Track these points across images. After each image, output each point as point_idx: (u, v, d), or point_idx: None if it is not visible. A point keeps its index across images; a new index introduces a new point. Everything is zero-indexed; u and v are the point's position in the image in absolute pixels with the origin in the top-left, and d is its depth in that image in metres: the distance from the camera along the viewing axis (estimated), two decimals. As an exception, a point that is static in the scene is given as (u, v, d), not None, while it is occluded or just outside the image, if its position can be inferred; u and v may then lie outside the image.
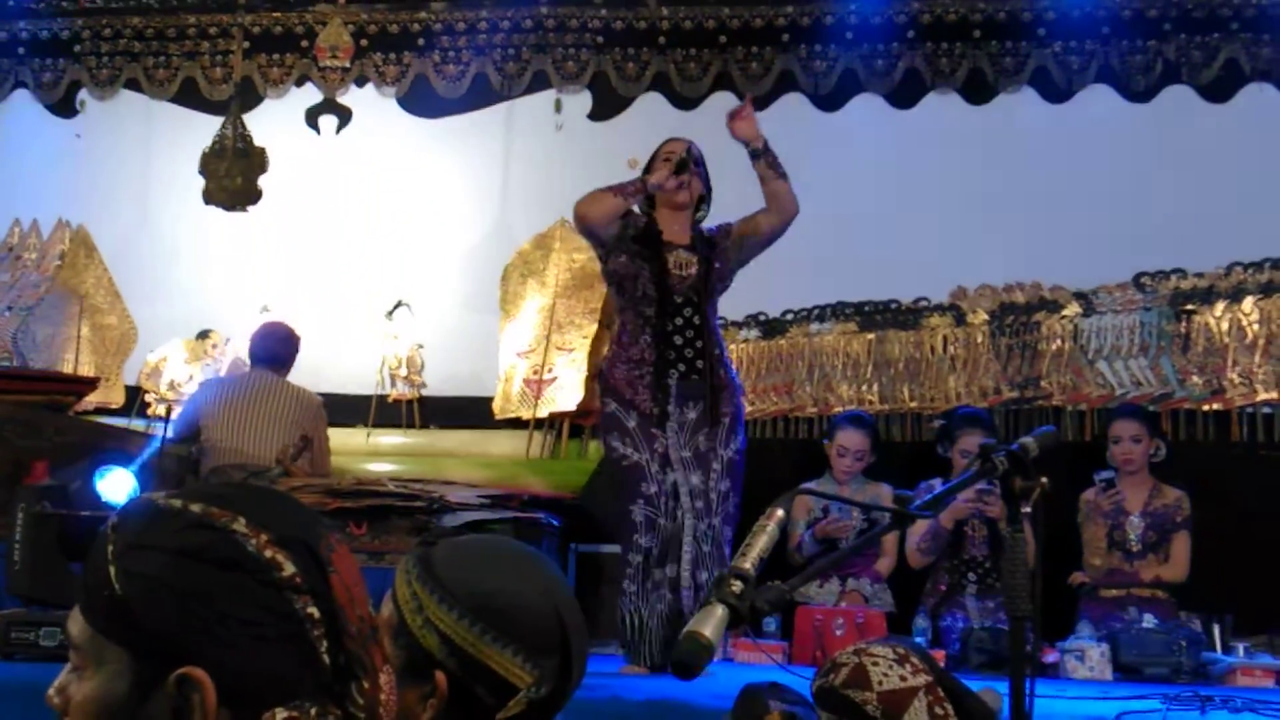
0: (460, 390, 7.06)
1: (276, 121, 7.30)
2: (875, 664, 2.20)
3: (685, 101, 7.07)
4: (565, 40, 7.24)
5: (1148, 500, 5.41)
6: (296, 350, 6.01)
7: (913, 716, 2.15)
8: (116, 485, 4.75)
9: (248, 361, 7.08)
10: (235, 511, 1.14)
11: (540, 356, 6.86)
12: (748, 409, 6.44)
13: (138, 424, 6.73)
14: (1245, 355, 6.18)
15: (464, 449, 6.77)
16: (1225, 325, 6.24)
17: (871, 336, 6.61)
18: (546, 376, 6.81)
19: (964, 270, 6.60)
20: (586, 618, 1.72)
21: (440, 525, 4.93)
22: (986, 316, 6.52)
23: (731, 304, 6.07)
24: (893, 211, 6.72)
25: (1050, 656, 4.65)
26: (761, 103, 6.86)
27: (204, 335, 7.24)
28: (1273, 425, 6.12)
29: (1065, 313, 6.44)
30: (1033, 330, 6.45)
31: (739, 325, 6.64)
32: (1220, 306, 6.27)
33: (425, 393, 7.08)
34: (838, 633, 4.98)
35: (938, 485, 5.13)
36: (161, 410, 6.97)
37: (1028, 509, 1.85)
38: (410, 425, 7.03)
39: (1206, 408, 6.18)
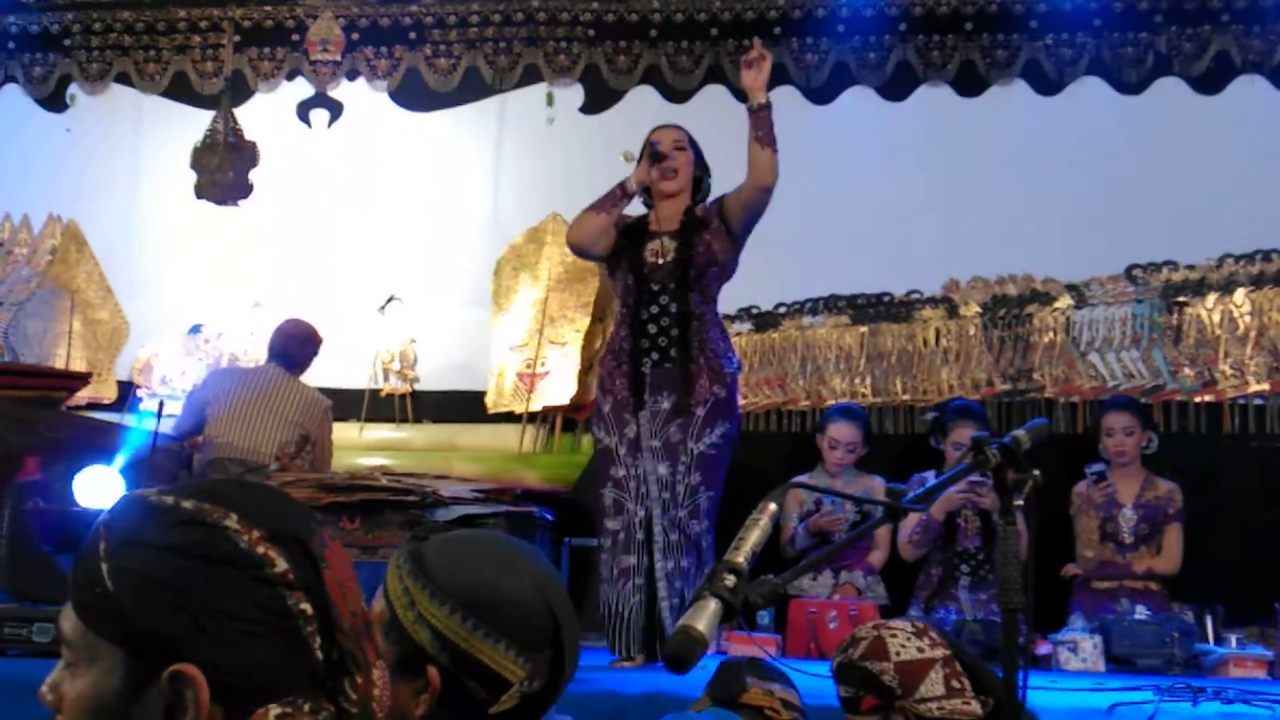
0: (453, 384, 7.05)
1: (267, 115, 7.28)
2: (894, 636, 2.24)
3: (677, 94, 7.06)
4: (556, 33, 7.23)
5: (1140, 492, 5.42)
6: (314, 352, 6.02)
7: (929, 687, 2.19)
8: (98, 484, 4.74)
9: (241, 357, 7.08)
10: (227, 507, 1.13)
11: (533, 350, 6.86)
12: (740, 402, 6.44)
13: (130, 419, 6.72)
14: (1237, 347, 6.19)
15: (457, 443, 6.77)
16: (1217, 317, 6.25)
17: (864, 329, 6.62)
18: (539, 370, 6.80)
19: (956, 263, 6.61)
20: (579, 611, 1.72)
21: (432, 520, 4.92)
22: (979, 309, 6.53)
23: (724, 297, 6.06)
24: (885, 204, 6.72)
25: (1043, 648, 4.66)
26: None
27: (196, 330, 7.23)
28: (1265, 417, 6.13)
29: (1057, 305, 6.45)
30: (1025, 322, 6.46)
31: (732, 318, 6.64)
32: (1212, 298, 6.29)
33: (418, 387, 7.08)
34: (831, 625, 4.99)
35: (930, 478, 5.13)
36: (153, 406, 6.96)
37: (1020, 501, 1.85)
38: (403, 419, 7.03)
39: (1198, 399, 6.19)
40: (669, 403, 4.40)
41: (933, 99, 6.90)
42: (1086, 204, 6.53)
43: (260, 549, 1.12)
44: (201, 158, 6.79)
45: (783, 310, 6.72)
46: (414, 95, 7.35)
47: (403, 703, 1.58)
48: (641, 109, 6.91)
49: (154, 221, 7.35)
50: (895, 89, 6.92)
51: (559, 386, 6.76)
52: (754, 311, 6.71)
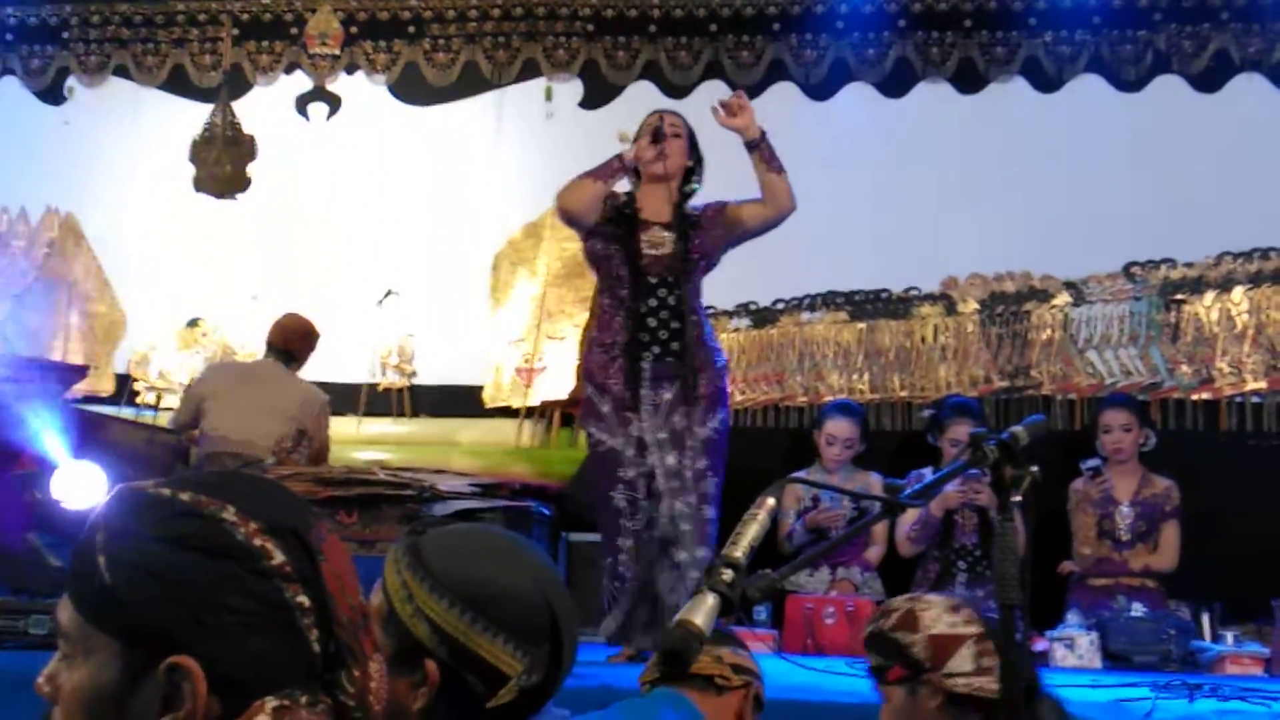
0: (451, 379, 7.05)
1: (266, 109, 7.27)
2: (927, 610, 2.24)
3: (676, 89, 7.05)
4: (556, 28, 7.23)
5: (1137, 489, 5.42)
6: (311, 347, 6.01)
7: (959, 662, 2.18)
8: (81, 479, 4.73)
9: (238, 351, 7.07)
10: (224, 500, 1.13)
11: (531, 345, 6.86)
12: (738, 398, 6.45)
13: (127, 412, 6.71)
14: (1234, 345, 6.20)
15: (454, 438, 6.77)
16: (1214, 315, 6.26)
17: (862, 326, 6.62)
18: (537, 365, 6.81)
19: (955, 260, 6.61)
20: (577, 606, 1.72)
21: (430, 514, 4.92)
22: (977, 306, 6.53)
23: (722, 293, 6.08)
24: (884, 201, 6.72)
25: (1040, 645, 4.66)
26: (752, 91, 6.80)
27: (193, 323, 7.22)
28: (1261, 414, 6.14)
29: (1055, 302, 6.45)
30: (1023, 320, 6.46)
31: (729, 314, 6.64)
32: (1210, 296, 6.29)
33: (416, 381, 7.07)
34: (828, 621, 4.99)
35: (928, 474, 5.13)
36: (151, 399, 6.96)
37: (1018, 498, 1.85)
38: (401, 414, 7.02)
39: (1196, 397, 6.20)
40: (671, 392, 4.32)
41: (932, 96, 6.90)
42: (1085, 201, 6.53)
43: (257, 541, 1.12)
44: (200, 151, 6.78)
45: (781, 306, 6.72)
46: (413, 89, 7.34)
47: (401, 696, 1.58)
48: (640, 104, 6.88)
49: (152, 215, 7.34)
50: (894, 86, 6.92)
51: (557, 381, 6.76)
52: (752, 307, 6.71)
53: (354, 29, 7.36)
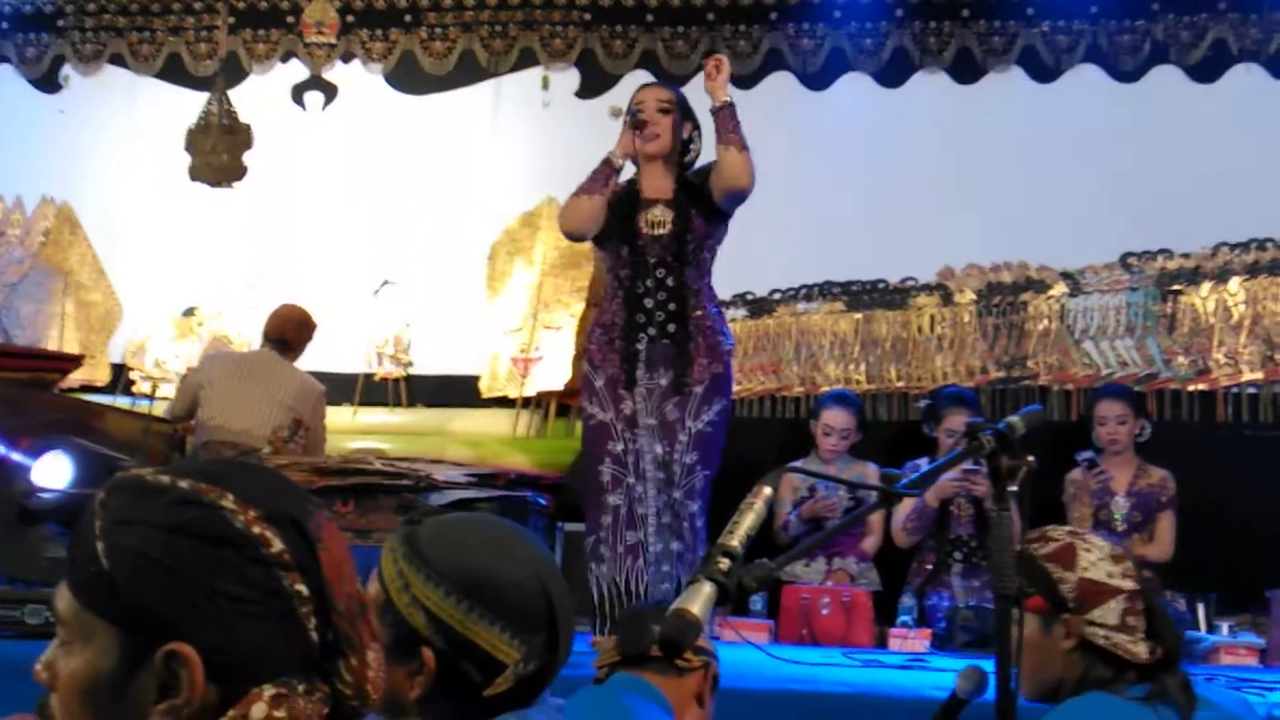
0: (447, 369, 7.05)
1: (262, 98, 7.26)
2: (1088, 550, 2.16)
3: (673, 79, 7.02)
4: (553, 17, 7.21)
5: (1133, 480, 5.43)
6: (308, 337, 6.00)
7: (1104, 613, 2.13)
8: (51, 468, 4.74)
9: (231, 339, 7.06)
10: (223, 487, 1.13)
11: (527, 335, 6.86)
12: (735, 389, 6.44)
13: (123, 401, 6.71)
14: (1231, 336, 6.20)
15: (450, 427, 6.77)
16: (1211, 306, 6.26)
17: (859, 316, 6.62)
18: (533, 355, 6.80)
19: (951, 250, 6.61)
20: (573, 595, 1.72)
21: (426, 504, 4.92)
22: (973, 296, 6.54)
23: (718, 283, 6.04)
24: (880, 191, 6.72)
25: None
26: (749, 81, 6.86)
27: (189, 313, 7.22)
28: (1257, 405, 6.15)
29: (1052, 293, 6.45)
30: (1019, 310, 6.47)
31: (726, 304, 6.62)
32: (1206, 287, 6.29)
33: (412, 371, 7.07)
34: (824, 611, 5.00)
35: (924, 465, 5.13)
36: (147, 388, 6.96)
37: (1014, 488, 1.85)
38: (397, 404, 7.03)
39: (1192, 388, 6.20)
40: (666, 379, 4.24)
41: (929, 86, 6.90)
42: (1082, 192, 6.53)
43: (256, 529, 1.12)
44: (196, 140, 6.77)
45: (777, 296, 6.72)
46: (409, 78, 7.33)
47: (398, 685, 1.58)
48: (637, 94, 6.89)
49: (147, 204, 7.33)
50: (891, 75, 6.91)
51: (553, 371, 6.76)
52: (749, 297, 6.71)
53: (350, 17, 7.35)
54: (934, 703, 2.22)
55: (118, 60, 7.52)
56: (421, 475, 5.16)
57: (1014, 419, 1.94)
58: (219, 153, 6.75)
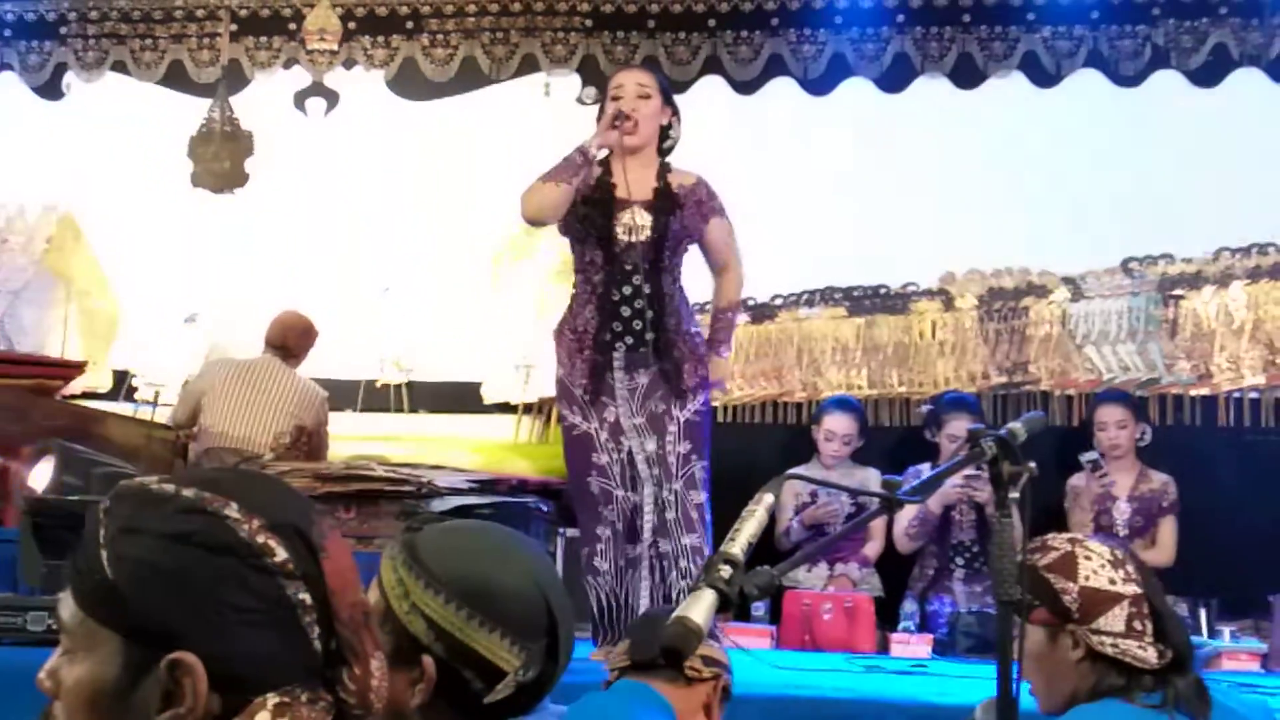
0: (449, 375, 7.05)
1: (264, 104, 7.26)
2: (1088, 558, 2.13)
3: (674, 85, 7.02)
4: (554, 23, 7.21)
5: (1134, 485, 5.43)
6: (309, 344, 6.02)
7: (1110, 621, 2.09)
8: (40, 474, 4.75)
9: (232, 346, 7.07)
10: (227, 496, 1.14)
11: (529, 341, 6.85)
12: (736, 394, 6.45)
13: (125, 408, 6.71)
14: (1232, 340, 6.20)
15: (452, 433, 6.77)
16: (1213, 310, 6.26)
17: (860, 321, 6.61)
18: (535, 361, 6.80)
19: (952, 255, 6.61)
20: (573, 602, 1.72)
21: (428, 510, 4.91)
22: (975, 301, 6.53)
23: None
24: (882, 196, 6.71)
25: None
26: (750, 86, 6.87)
27: (191, 319, 7.22)
28: (1260, 410, 6.14)
29: (1053, 298, 6.45)
30: (1021, 315, 6.46)
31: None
32: (1208, 292, 6.29)
33: (414, 377, 7.07)
34: (825, 617, 5.00)
35: (926, 470, 5.14)
36: (149, 395, 6.96)
37: (1015, 494, 1.85)
38: (398, 409, 7.02)
39: (1193, 393, 6.20)
40: (647, 377, 4.10)
41: (930, 91, 6.89)
42: (1083, 197, 6.53)
43: (260, 538, 1.12)
44: (198, 147, 6.77)
45: (779, 302, 6.71)
46: (411, 85, 7.32)
47: (398, 693, 1.59)
48: (639, 100, 6.89)
49: (150, 211, 7.33)
50: (893, 81, 6.91)
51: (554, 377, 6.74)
52: (750, 303, 6.69)
53: (352, 24, 7.35)
54: (936, 708, 2.22)
55: (120, 67, 7.52)
56: (423, 481, 5.16)
57: (1016, 425, 1.94)
58: (221, 160, 6.75)
